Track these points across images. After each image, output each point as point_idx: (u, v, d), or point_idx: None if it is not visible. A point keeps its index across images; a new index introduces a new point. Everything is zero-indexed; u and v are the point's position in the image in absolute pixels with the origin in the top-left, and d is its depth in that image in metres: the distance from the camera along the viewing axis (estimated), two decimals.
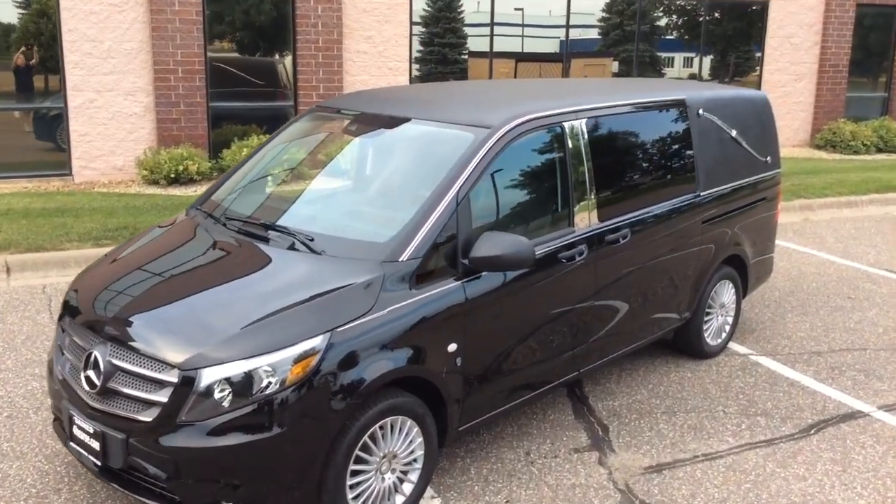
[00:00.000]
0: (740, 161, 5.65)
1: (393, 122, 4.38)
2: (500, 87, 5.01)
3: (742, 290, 5.97)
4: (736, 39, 14.88)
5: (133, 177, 10.47)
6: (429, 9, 12.32)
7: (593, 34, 14.13)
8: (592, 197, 4.46)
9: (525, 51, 13.56)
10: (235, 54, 11.25)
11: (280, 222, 4.06)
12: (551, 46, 13.77)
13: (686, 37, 14.78)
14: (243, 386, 3.21)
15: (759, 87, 14.79)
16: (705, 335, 5.65)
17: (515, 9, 13.05)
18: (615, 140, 4.69)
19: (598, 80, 5.74)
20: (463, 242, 3.80)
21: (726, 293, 5.77)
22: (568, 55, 13.68)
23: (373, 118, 4.47)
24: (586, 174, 4.43)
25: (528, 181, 4.22)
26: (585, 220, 4.42)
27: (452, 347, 3.79)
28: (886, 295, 7.29)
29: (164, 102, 10.47)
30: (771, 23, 14.68)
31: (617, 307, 4.72)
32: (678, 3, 14.57)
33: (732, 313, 5.89)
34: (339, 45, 11.19)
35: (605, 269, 4.53)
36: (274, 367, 3.24)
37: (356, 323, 3.42)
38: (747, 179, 5.72)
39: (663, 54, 14.69)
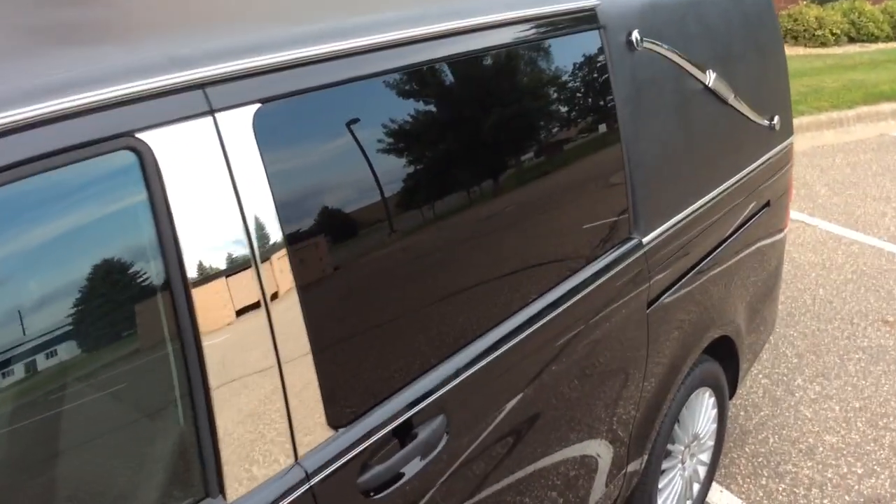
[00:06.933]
0: (725, 140, 2.53)
1: None
2: None
3: (730, 389, 2.98)
4: None
5: None
6: None
7: None
8: (318, 353, 1.33)
9: None
10: None
11: None
12: None
13: None
14: None
15: None
16: None
17: None
18: (395, 168, 1.50)
19: None
20: None
21: (701, 413, 2.77)
22: None
23: None
24: (297, 301, 1.29)
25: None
26: (304, 442, 1.31)
27: None
28: None
29: None
30: None
31: None
32: None
33: (712, 443, 2.91)
34: None
35: None
36: None
37: None
38: (739, 176, 2.63)
39: None
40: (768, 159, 2.79)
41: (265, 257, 1.27)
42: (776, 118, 2.81)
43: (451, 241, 1.57)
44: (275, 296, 1.28)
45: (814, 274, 4.85)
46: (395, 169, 1.46)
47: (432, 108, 1.55)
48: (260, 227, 1.27)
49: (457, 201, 1.58)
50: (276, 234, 1.28)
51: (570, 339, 1.90)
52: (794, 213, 5.78)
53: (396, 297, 1.47)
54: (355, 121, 1.41)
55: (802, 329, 4.20)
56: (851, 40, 11.54)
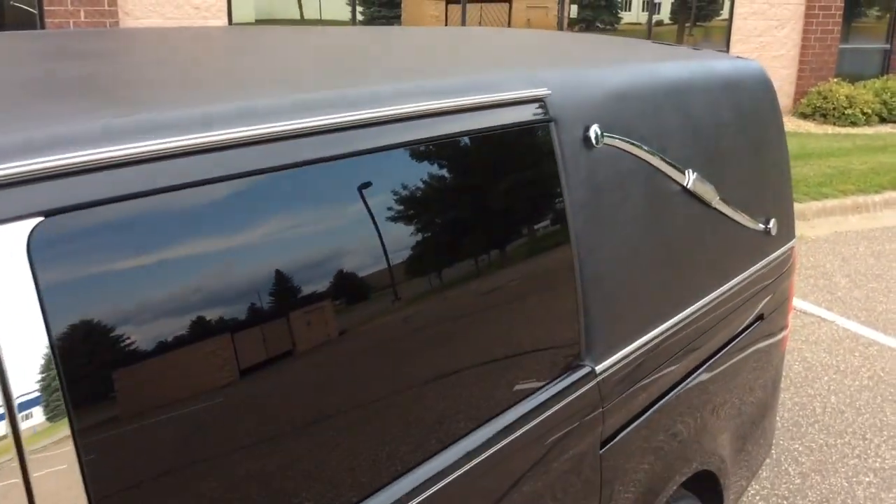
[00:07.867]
0: (706, 249, 2.20)
1: None
2: None
3: None
4: None
5: None
6: None
7: None
8: None
9: None
10: None
11: None
12: None
13: None
14: None
15: (727, 36, 11.34)
16: None
17: None
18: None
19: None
20: None
21: None
22: None
23: None
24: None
25: None
26: None
27: None
28: None
29: None
30: None
31: None
32: None
33: None
34: None
35: None
36: None
37: None
38: (725, 288, 2.29)
39: None
40: (762, 268, 2.45)
41: (28, 418, 0.96)
42: (772, 221, 2.47)
43: (321, 377, 1.25)
44: (37, 463, 0.97)
45: (826, 378, 4.45)
46: (238, 301, 1.15)
47: (309, 217, 1.24)
48: (25, 382, 0.96)
49: (340, 319, 1.26)
50: (50, 387, 0.98)
51: (497, 491, 1.55)
52: (809, 307, 5.39)
53: (231, 459, 1.15)
54: (185, 239, 1.10)
55: (809, 443, 3.80)
56: (883, 121, 11.19)
